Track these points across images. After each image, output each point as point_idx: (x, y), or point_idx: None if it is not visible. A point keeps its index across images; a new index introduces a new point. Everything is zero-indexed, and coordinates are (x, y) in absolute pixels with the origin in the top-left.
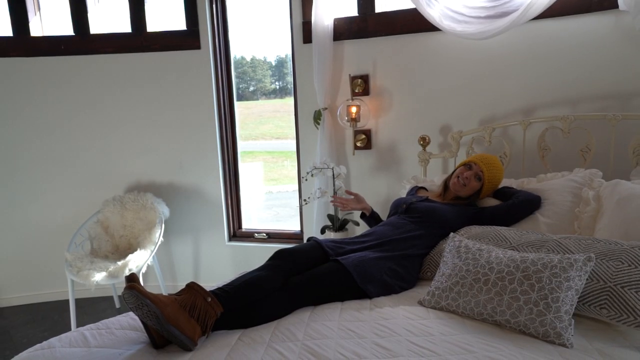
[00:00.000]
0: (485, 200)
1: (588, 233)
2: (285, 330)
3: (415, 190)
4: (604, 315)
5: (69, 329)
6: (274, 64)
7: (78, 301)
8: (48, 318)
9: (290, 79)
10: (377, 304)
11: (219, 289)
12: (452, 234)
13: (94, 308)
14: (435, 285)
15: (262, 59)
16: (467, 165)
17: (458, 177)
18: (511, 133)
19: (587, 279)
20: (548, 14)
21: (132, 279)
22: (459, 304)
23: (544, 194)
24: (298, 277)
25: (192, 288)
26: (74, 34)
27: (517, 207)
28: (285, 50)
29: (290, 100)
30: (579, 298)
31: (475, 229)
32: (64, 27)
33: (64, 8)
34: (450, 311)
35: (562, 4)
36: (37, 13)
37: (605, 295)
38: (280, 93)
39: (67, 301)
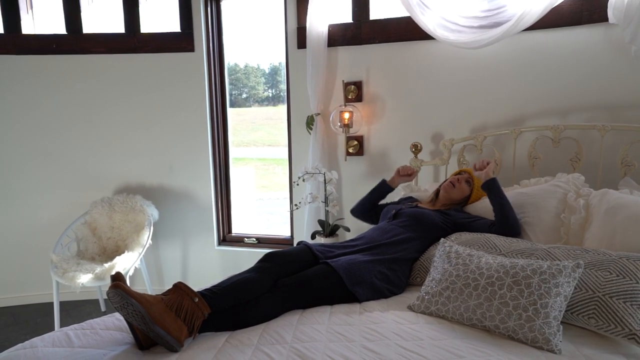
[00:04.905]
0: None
1: (577, 241)
2: (274, 333)
3: (405, 199)
4: (592, 325)
5: None
6: (267, 71)
7: (62, 304)
8: (31, 321)
9: (283, 86)
10: (367, 308)
11: (206, 289)
12: (442, 239)
13: (79, 311)
14: (425, 290)
15: (256, 67)
16: (458, 174)
17: (450, 180)
18: (502, 142)
19: (576, 289)
20: (540, 25)
21: (117, 277)
22: (449, 309)
23: (529, 198)
24: (287, 279)
25: (179, 288)
26: (66, 33)
27: (499, 232)
28: (279, 58)
29: (282, 108)
30: (568, 307)
31: (466, 236)
32: (57, 25)
33: (57, 6)
34: (439, 316)
35: (554, 16)
36: (30, 11)
37: (594, 305)
38: (273, 100)
39: (51, 304)
